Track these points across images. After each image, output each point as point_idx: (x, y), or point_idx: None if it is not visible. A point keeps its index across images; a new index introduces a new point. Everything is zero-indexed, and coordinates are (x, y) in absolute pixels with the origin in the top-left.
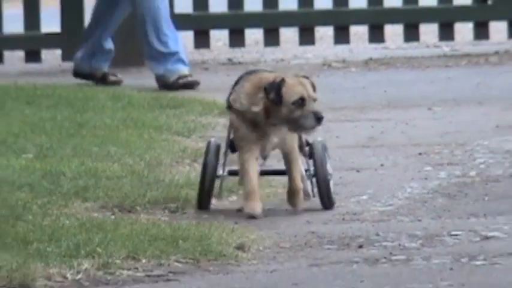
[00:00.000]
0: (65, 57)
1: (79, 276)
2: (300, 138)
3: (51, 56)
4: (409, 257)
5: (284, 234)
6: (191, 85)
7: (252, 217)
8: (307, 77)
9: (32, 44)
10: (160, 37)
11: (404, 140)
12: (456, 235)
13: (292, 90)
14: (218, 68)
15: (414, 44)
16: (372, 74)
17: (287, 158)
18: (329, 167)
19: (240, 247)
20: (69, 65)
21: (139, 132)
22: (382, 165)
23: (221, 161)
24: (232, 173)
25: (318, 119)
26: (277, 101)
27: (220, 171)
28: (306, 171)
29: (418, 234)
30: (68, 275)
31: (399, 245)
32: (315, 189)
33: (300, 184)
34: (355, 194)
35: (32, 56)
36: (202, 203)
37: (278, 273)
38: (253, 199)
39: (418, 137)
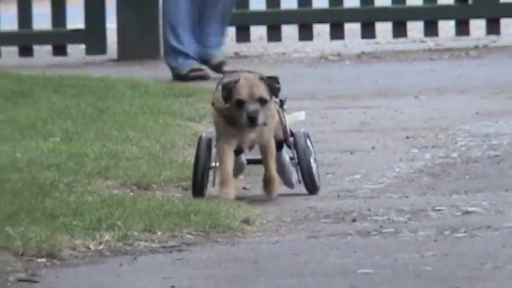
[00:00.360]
0: (88, 51)
1: (101, 246)
2: (284, 130)
3: (76, 50)
4: (398, 230)
5: (285, 209)
6: (202, 78)
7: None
8: (272, 77)
9: (58, 40)
10: (177, 35)
11: (393, 125)
12: (440, 210)
13: (237, 91)
14: (226, 61)
15: (402, 39)
16: (364, 66)
17: (264, 150)
18: (313, 155)
19: (246, 221)
20: (92, 58)
21: (155, 118)
22: (373, 147)
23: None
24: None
25: (250, 119)
26: (226, 100)
27: (212, 163)
28: (291, 159)
29: (405, 209)
30: (91, 246)
31: (388, 219)
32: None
33: (274, 174)
34: (349, 174)
35: (59, 50)
36: (196, 192)
37: (280, 244)
38: (227, 186)
39: (406, 122)
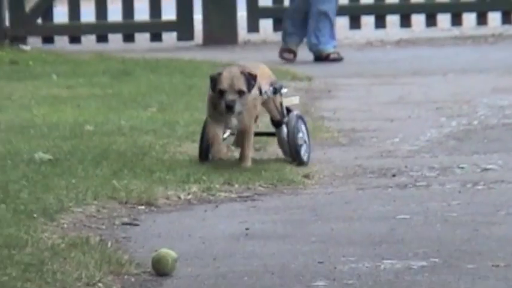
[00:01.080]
0: (179, 38)
1: (189, 196)
2: (281, 112)
3: (169, 37)
4: (429, 183)
5: (338, 166)
6: (336, 60)
7: (220, 159)
8: (252, 74)
9: (155, 28)
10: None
11: (425, 98)
12: (463, 167)
13: (220, 82)
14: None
15: (433, 28)
16: (401, 51)
17: (241, 134)
18: (301, 135)
19: (306, 176)
20: (182, 44)
21: None
22: (409, 116)
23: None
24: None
25: (227, 107)
26: (212, 90)
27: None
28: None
29: (435, 166)
30: (181, 196)
31: (421, 174)
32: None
33: (247, 154)
34: (390, 138)
35: (155, 37)
36: (202, 158)
37: (333, 195)
38: (216, 144)
39: (435, 96)
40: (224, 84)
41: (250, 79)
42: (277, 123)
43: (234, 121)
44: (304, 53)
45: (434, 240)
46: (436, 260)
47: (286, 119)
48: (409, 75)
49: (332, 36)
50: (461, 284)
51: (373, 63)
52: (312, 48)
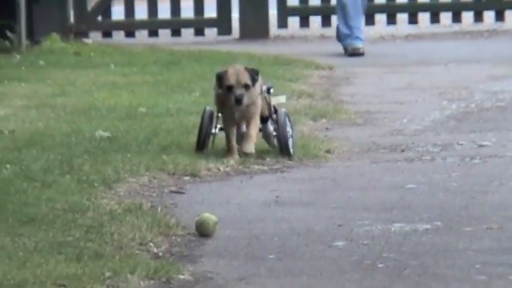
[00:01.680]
0: (219, 33)
1: (227, 169)
2: (269, 109)
3: (210, 32)
4: (433, 157)
5: (355, 143)
6: (360, 54)
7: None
8: (254, 70)
9: (198, 24)
10: (347, 23)
11: (430, 85)
12: (462, 144)
13: (227, 79)
14: (314, 40)
15: (436, 24)
16: (409, 44)
17: (249, 121)
18: (289, 130)
19: (328, 151)
20: (221, 38)
21: (265, 80)
22: (416, 100)
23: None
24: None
25: (237, 100)
26: (218, 87)
27: (213, 130)
28: (274, 130)
29: (438, 143)
30: (221, 168)
31: (426, 150)
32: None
33: (252, 133)
34: (400, 118)
35: (199, 32)
36: (198, 150)
37: (351, 168)
38: (231, 153)
39: (438, 83)
40: (231, 80)
41: (254, 74)
42: (265, 119)
43: (237, 116)
44: (325, 44)
45: (437, 206)
46: (439, 223)
47: (274, 116)
48: (415, 65)
49: (361, 31)
50: (460, 244)
51: (385, 55)
52: (343, 40)
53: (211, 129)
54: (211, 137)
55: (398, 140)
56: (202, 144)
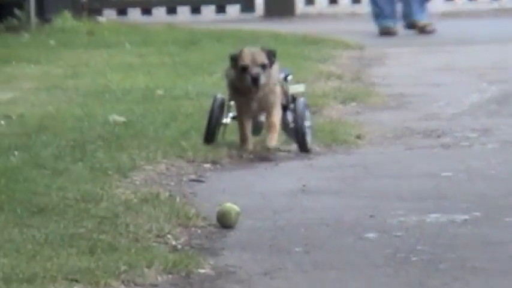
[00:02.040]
0: (242, 10)
1: (250, 155)
2: (287, 98)
3: (233, 10)
4: (471, 143)
5: (388, 128)
6: (392, 33)
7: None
8: (271, 50)
9: (220, 1)
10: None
11: (468, 65)
12: (502, 129)
13: (242, 59)
14: (344, 17)
15: (473, 2)
16: (446, 22)
17: (268, 110)
18: (308, 120)
19: (358, 136)
20: (244, 16)
21: (292, 60)
22: (453, 82)
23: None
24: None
25: (253, 80)
26: (233, 66)
27: (223, 120)
28: (292, 122)
29: (477, 128)
30: (243, 155)
31: (464, 135)
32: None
33: (275, 121)
34: (436, 101)
35: (220, 9)
36: (207, 140)
37: (383, 154)
38: (246, 142)
39: (477, 63)
40: (246, 60)
41: (271, 54)
42: (283, 108)
43: (255, 105)
44: (355, 22)
45: (475, 195)
46: (477, 214)
47: (292, 105)
48: (453, 44)
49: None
50: (501, 236)
51: (420, 34)
52: (375, 19)
53: (221, 119)
54: (221, 128)
55: (434, 124)
56: (211, 135)
